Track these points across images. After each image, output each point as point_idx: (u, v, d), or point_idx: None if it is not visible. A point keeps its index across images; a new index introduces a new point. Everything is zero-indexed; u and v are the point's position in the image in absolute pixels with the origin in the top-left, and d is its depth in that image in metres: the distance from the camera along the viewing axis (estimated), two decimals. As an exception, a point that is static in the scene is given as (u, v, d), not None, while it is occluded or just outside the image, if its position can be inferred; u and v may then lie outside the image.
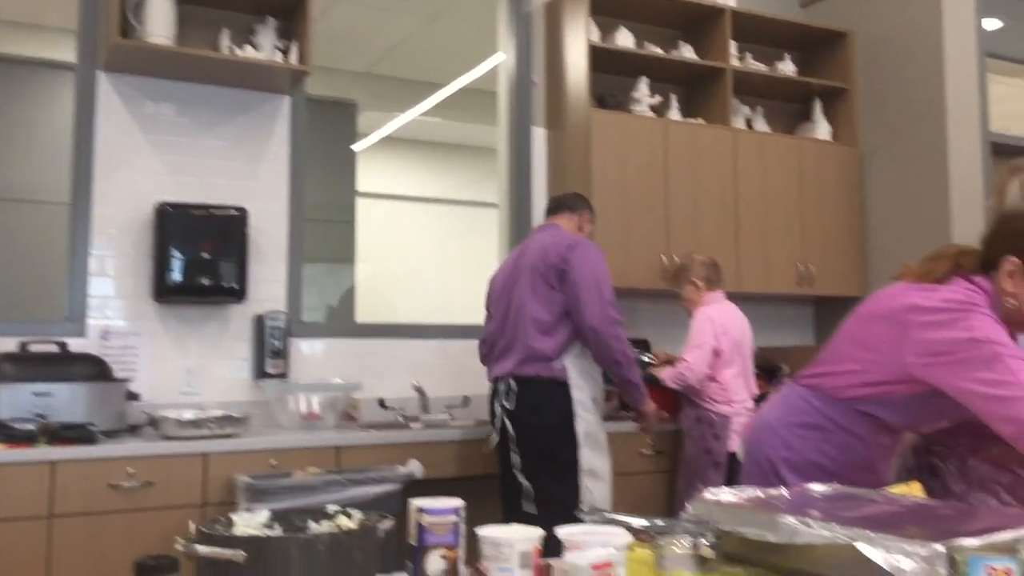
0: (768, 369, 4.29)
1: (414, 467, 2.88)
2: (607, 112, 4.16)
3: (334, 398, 3.31)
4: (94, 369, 2.99)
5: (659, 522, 1.50)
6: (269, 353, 3.50)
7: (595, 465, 3.04)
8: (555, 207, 3.42)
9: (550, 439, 3.02)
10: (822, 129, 4.73)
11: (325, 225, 6.20)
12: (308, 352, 3.70)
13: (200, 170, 3.62)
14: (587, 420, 3.04)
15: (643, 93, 4.32)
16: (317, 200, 5.68)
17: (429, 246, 7.56)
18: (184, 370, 3.47)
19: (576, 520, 1.93)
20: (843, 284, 4.55)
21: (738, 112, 4.60)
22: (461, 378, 3.97)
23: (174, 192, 3.53)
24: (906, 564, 1.18)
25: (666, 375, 3.59)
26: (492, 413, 3.18)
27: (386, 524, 1.33)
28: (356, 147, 7.24)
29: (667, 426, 3.71)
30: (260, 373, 3.52)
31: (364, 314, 6.83)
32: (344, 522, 1.38)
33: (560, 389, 3.02)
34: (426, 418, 3.65)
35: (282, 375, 3.51)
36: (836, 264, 4.54)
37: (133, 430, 3.01)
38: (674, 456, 3.69)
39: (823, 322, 4.90)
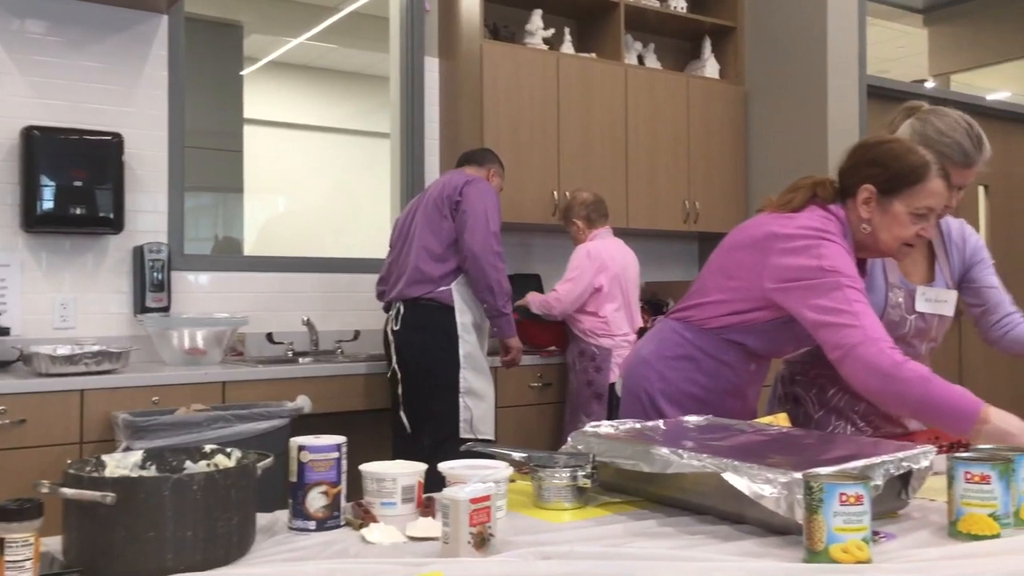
0: (655, 303, 4.41)
1: (302, 402, 2.86)
2: (500, 44, 4.11)
3: (219, 333, 3.24)
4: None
5: (539, 454, 1.54)
6: (150, 286, 3.38)
7: (476, 386, 3.19)
8: (463, 160, 3.53)
9: (432, 358, 3.17)
10: (710, 67, 4.81)
11: (211, 154, 5.97)
12: (193, 286, 3.59)
13: (71, 93, 3.42)
14: (469, 343, 3.21)
15: (536, 25, 4.29)
16: (200, 127, 5.45)
17: (321, 177, 7.38)
18: (58, 304, 3.32)
19: (458, 447, 1.96)
20: (726, 221, 4.68)
21: (630, 48, 4.62)
22: (352, 312, 3.94)
23: (43, 116, 3.33)
24: (767, 491, 1.25)
25: (532, 299, 3.70)
26: (385, 341, 3.30)
27: (264, 463, 1.32)
28: (244, 72, 6.95)
29: (554, 359, 3.79)
30: (141, 308, 3.40)
31: (254, 247, 6.66)
32: (222, 461, 1.36)
33: (445, 311, 3.19)
34: (316, 352, 3.61)
35: (164, 309, 3.40)
36: (720, 201, 4.67)
37: (2, 366, 2.88)
38: (561, 389, 3.77)
39: (707, 258, 5.05)
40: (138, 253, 3.43)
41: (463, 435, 3.11)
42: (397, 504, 1.45)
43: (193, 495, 1.16)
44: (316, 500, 1.38)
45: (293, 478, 1.39)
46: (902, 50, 6.31)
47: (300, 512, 1.37)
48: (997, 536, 1.23)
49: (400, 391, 3.19)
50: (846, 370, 1.70)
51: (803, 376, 2.10)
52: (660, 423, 1.73)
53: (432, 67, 4.27)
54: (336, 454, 1.40)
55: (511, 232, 4.37)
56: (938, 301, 2.03)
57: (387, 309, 3.35)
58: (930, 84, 5.81)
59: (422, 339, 3.18)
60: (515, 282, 4.32)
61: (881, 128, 2.18)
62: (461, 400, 3.16)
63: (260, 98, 7.17)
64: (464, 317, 3.21)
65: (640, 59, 4.68)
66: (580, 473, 1.49)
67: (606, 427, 1.66)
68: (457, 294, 3.21)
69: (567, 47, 4.37)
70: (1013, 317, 2.12)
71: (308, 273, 3.90)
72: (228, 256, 4.16)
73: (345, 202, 6.83)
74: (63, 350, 2.83)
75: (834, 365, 1.73)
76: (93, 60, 3.45)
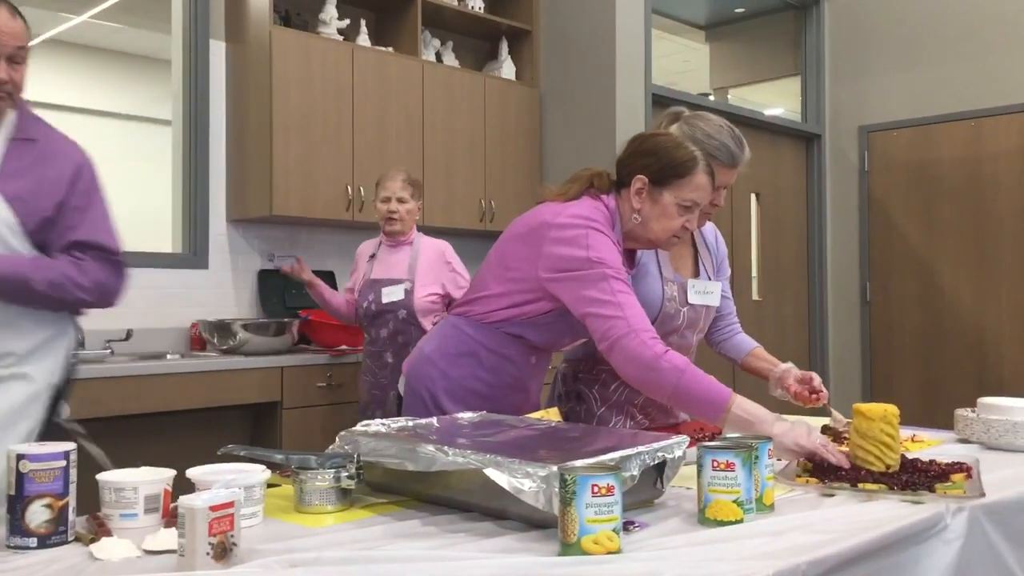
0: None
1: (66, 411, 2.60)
2: (291, 31, 3.96)
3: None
4: None
5: (301, 455, 1.46)
6: None
7: None
8: None
9: None
10: (507, 68, 4.86)
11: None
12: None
13: None
14: None
15: (331, 15, 4.17)
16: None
17: (102, 165, 6.86)
18: None
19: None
20: (521, 220, 4.74)
21: (428, 45, 4.59)
22: (123, 310, 3.66)
23: None
24: (526, 485, 1.24)
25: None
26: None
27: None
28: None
29: (347, 359, 3.69)
30: None
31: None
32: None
33: None
34: (83, 353, 3.32)
35: None
36: (515, 200, 4.73)
37: None
38: (353, 389, 3.68)
39: (501, 256, 5.10)
40: None
41: None
42: (139, 515, 1.33)
43: None
44: (38, 514, 1.23)
45: (11, 491, 1.23)
46: (687, 64, 6.66)
47: (18, 528, 1.22)
48: (740, 521, 1.28)
49: None
50: (613, 360, 1.74)
51: (586, 373, 2.13)
52: (434, 420, 1.69)
53: (217, 51, 4.05)
54: (63, 462, 1.26)
55: (301, 227, 4.23)
56: (706, 293, 2.13)
57: None
58: (711, 97, 6.17)
59: None
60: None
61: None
62: None
63: (37, 78, 6.57)
64: None
65: (438, 56, 4.66)
66: (343, 474, 1.43)
67: (376, 425, 1.61)
68: None
69: (363, 39, 4.27)
70: (734, 326, 2.34)
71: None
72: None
73: (119, 191, 6.37)
74: None
75: (604, 355, 1.76)
76: None
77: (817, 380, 2.10)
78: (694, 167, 1.83)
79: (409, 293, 3.29)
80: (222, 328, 3.48)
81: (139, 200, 5.07)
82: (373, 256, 3.44)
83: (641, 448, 1.34)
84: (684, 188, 1.83)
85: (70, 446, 1.27)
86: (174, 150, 4.08)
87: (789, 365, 2.17)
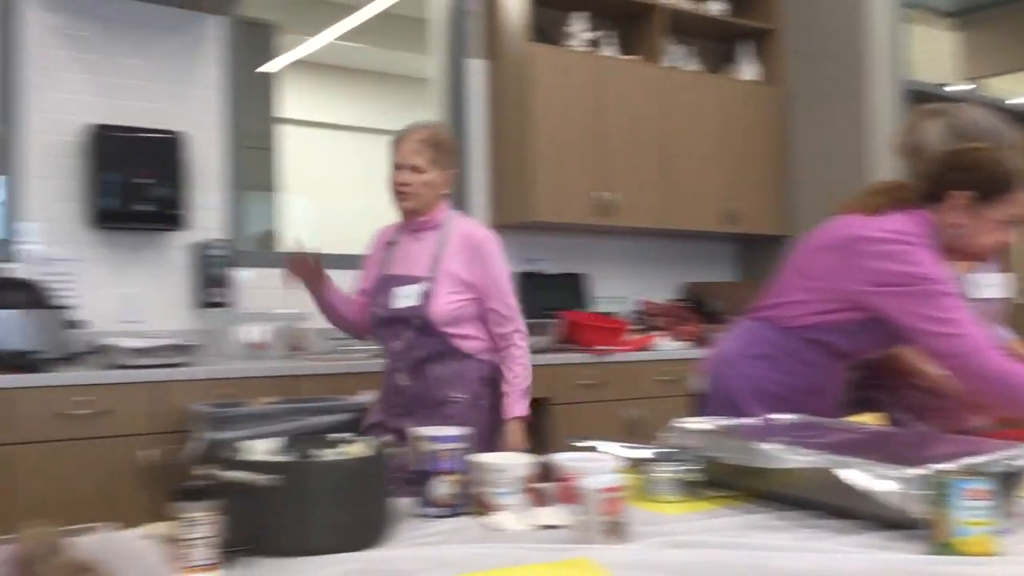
0: (698, 304, 4.47)
1: (366, 397, 2.92)
2: (545, 46, 4.17)
3: (281, 328, 3.31)
4: (33, 296, 2.90)
5: (644, 450, 1.59)
6: (210, 282, 3.45)
7: None
8: None
9: None
10: (749, 70, 4.86)
11: (243, 152, 6.02)
12: (247, 281, 3.65)
13: (127, 92, 3.48)
14: None
15: (579, 28, 4.34)
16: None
17: (353, 176, 7.44)
18: (123, 298, 3.38)
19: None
20: (767, 223, 4.73)
21: (670, 51, 4.67)
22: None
23: (103, 114, 3.38)
24: (886, 486, 1.31)
25: None
26: None
27: (392, 450, 1.38)
28: (268, 68, 7.00)
29: (609, 358, 3.83)
30: (200, 302, 3.46)
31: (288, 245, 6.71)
32: (351, 450, 1.41)
33: None
34: (368, 348, 3.66)
35: (223, 304, 3.47)
36: (760, 203, 4.72)
37: (74, 358, 2.94)
38: (615, 387, 3.83)
39: (750, 259, 5.09)
40: (197, 249, 3.50)
41: None
42: (510, 494, 1.51)
43: (349, 480, 1.22)
44: (442, 488, 1.44)
45: (419, 467, 1.45)
46: (926, 53, 6.34)
47: (427, 499, 1.43)
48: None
49: None
50: (960, 377, 1.78)
51: (876, 379, 2.16)
52: (752, 420, 1.78)
53: (475, 68, 4.32)
54: (462, 444, 1.46)
55: (551, 233, 4.44)
56: (990, 285, 2.12)
57: None
58: (964, 87, 5.84)
59: None
60: (560, 281, 4.42)
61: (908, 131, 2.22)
62: None
63: (290, 97, 7.23)
64: None
65: (679, 62, 4.73)
66: (688, 468, 1.55)
67: (701, 423, 1.72)
68: None
69: (609, 50, 4.42)
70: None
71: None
72: (282, 253, 4.22)
73: (379, 202, 6.88)
74: (139, 343, 2.89)
75: (952, 372, 1.80)
76: (148, 59, 3.52)
77: None
78: (1021, 183, 1.82)
79: (427, 297, 2.40)
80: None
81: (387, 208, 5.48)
82: (392, 244, 2.59)
83: (997, 455, 1.37)
84: (1011, 203, 1.82)
85: (467, 430, 1.47)
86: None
87: None
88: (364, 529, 1.24)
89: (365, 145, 7.69)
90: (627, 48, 4.60)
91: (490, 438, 2.38)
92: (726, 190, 4.61)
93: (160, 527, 1.28)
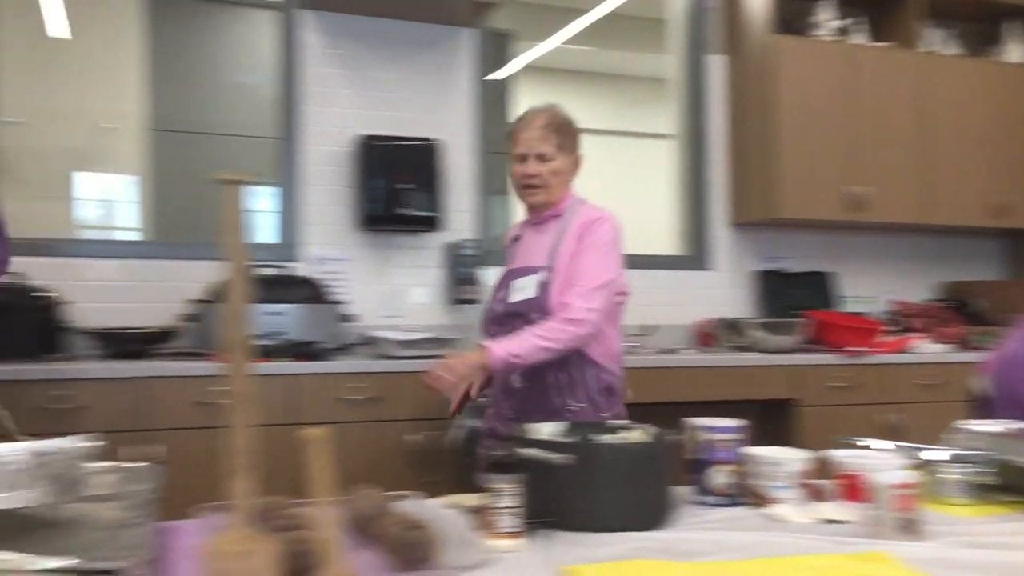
0: (961, 304, 4.18)
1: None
2: (790, 38, 4.05)
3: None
4: (314, 292, 3.21)
5: (930, 449, 1.53)
6: (461, 280, 3.65)
7: None
8: None
9: None
10: (1018, 51, 4.46)
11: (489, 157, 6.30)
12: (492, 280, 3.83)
13: (389, 104, 3.75)
14: None
15: (827, 16, 4.18)
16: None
17: (591, 177, 7.57)
18: (385, 294, 3.66)
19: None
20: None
21: (926, 35, 4.39)
22: (640, 308, 4.03)
23: (368, 126, 3.67)
24: None
25: None
26: None
27: (671, 437, 1.42)
28: (500, 75, 7.26)
29: (862, 360, 3.68)
30: (452, 299, 3.68)
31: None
32: (631, 436, 1.47)
33: None
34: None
35: (473, 301, 3.66)
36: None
37: (348, 348, 3.22)
38: (868, 390, 3.66)
39: (1021, 256, 4.68)
40: (450, 249, 3.71)
41: None
42: (786, 488, 1.51)
43: (636, 462, 1.27)
44: (720, 477, 1.46)
45: (696, 456, 1.47)
46: None
47: (705, 488, 1.46)
48: None
49: None
50: None
51: None
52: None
53: (715, 65, 4.28)
54: (739, 435, 1.47)
55: (799, 229, 4.30)
56: None
57: None
58: None
59: None
60: (804, 280, 4.28)
61: None
62: None
63: (523, 102, 7.47)
64: None
65: (938, 46, 4.43)
66: (978, 470, 1.47)
67: (989, 426, 1.62)
68: None
69: (859, 37, 4.22)
70: None
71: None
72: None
73: (616, 200, 6.97)
74: (404, 335, 3.12)
75: None
76: (410, 73, 3.78)
77: None
78: None
79: (544, 288, 2.17)
80: (734, 326, 3.68)
81: (641, 208, 5.53)
82: (517, 239, 2.39)
83: None
84: None
85: (743, 422, 1.48)
86: (677, 162, 4.39)
87: None
88: (649, 510, 1.29)
89: (595, 147, 7.81)
90: (879, 34, 4.37)
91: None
92: (994, 182, 4.26)
93: (458, 498, 1.39)
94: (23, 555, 0.79)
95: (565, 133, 2.24)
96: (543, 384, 2.13)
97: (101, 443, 1.18)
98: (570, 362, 2.12)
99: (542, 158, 2.20)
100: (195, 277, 3.30)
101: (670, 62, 4.45)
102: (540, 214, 2.27)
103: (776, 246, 4.30)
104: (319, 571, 0.89)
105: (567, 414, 2.11)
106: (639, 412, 2.63)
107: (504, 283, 2.27)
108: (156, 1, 5.19)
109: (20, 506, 0.93)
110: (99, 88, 5.02)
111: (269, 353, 2.86)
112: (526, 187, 2.22)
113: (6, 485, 0.98)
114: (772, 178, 3.95)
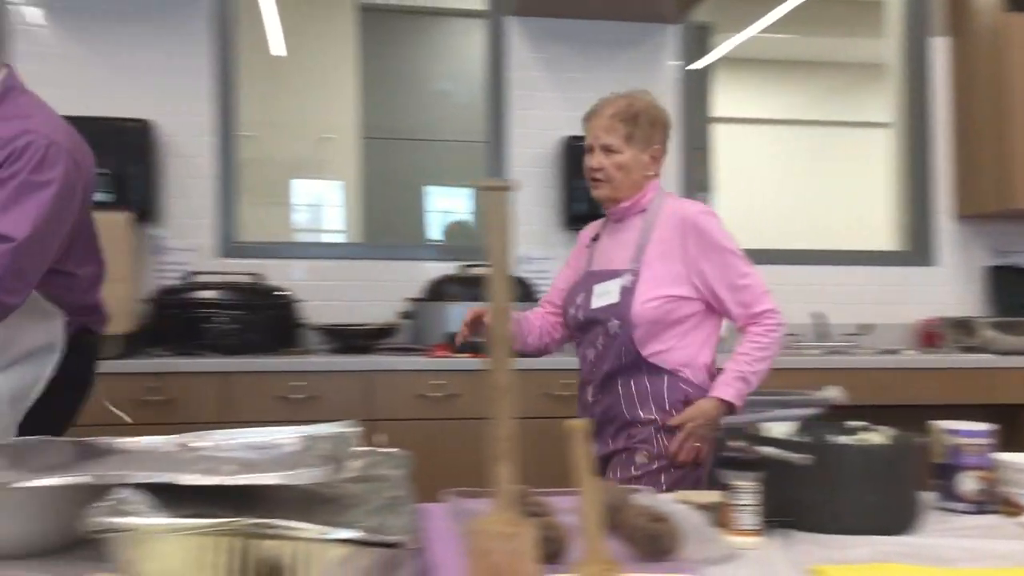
0: None
1: (834, 392, 2.86)
2: (1021, 15, 3.73)
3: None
4: (522, 290, 3.30)
5: None
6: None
7: None
8: None
9: None
10: None
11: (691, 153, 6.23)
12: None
13: (591, 104, 3.78)
14: None
15: (1066, -11, 3.83)
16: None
17: (781, 169, 7.31)
18: (591, 293, 3.72)
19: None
20: None
21: None
22: (856, 306, 3.86)
23: (571, 126, 3.70)
24: None
25: None
26: None
27: (920, 440, 1.36)
28: (696, 66, 7.13)
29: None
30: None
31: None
32: (873, 436, 1.42)
33: None
34: (830, 344, 3.60)
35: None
36: None
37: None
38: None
39: None
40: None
41: None
42: (1041, 496, 1.41)
43: (881, 464, 1.23)
44: (969, 483, 1.38)
45: (944, 460, 1.41)
46: None
47: (953, 494, 1.39)
48: None
49: None
50: None
51: None
52: None
53: (938, 47, 4.02)
54: (988, 440, 1.39)
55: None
56: None
57: None
58: None
59: None
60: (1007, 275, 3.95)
61: None
62: None
63: (720, 95, 7.30)
64: None
65: None
66: None
67: None
68: None
69: (1107, 9, 3.83)
70: None
71: (813, 265, 3.91)
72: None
73: (820, 193, 6.70)
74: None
75: None
76: (613, 71, 3.80)
77: None
78: None
79: (627, 292, 1.99)
80: (964, 325, 3.45)
81: (853, 200, 5.30)
82: (596, 239, 2.23)
83: None
84: None
85: (991, 426, 1.40)
86: (896, 152, 4.15)
87: None
88: (894, 514, 1.25)
89: (796, 138, 7.53)
90: None
91: (692, 471, 1.97)
92: None
93: (690, 494, 1.40)
94: (316, 525, 0.88)
95: (638, 124, 2.06)
96: (616, 396, 2.01)
97: (359, 429, 1.29)
98: (645, 370, 1.97)
99: (608, 150, 2.04)
100: (405, 276, 3.49)
101: (887, 46, 4.23)
102: (618, 210, 2.10)
103: (1009, 239, 3.99)
104: (576, 556, 0.93)
105: (642, 429, 1.98)
106: (854, 414, 2.51)
107: (583, 288, 2.09)
108: (368, 17, 5.51)
109: (304, 483, 1.03)
110: (317, 101, 5.39)
111: (478, 349, 2.96)
112: (592, 180, 2.09)
113: (287, 465, 1.09)
114: (1005, 166, 3.66)
